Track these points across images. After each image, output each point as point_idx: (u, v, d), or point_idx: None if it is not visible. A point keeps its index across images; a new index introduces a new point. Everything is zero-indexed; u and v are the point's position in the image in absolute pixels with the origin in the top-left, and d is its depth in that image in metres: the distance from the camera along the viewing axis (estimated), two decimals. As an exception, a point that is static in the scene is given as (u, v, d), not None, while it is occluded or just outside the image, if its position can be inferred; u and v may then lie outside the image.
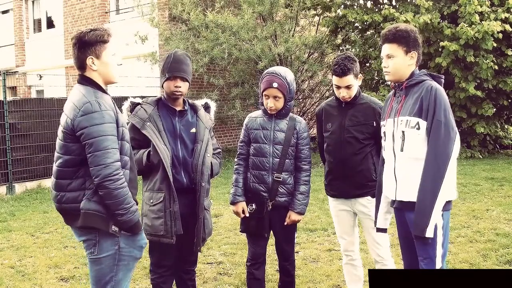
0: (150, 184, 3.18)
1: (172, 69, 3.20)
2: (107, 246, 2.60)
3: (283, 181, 3.41)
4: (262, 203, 3.41)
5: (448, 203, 2.71)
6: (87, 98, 2.55)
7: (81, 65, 2.65)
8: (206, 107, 3.51)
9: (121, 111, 2.76)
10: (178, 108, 3.30)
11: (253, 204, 3.44)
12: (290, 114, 3.50)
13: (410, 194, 2.74)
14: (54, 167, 2.65)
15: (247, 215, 3.45)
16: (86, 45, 2.61)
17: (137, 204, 2.72)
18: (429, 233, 2.62)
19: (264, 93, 3.37)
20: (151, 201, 3.15)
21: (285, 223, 3.42)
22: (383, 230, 3.10)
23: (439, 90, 2.71)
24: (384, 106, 3.06)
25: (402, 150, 2.78)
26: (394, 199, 2.87)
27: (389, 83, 13.00)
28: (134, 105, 3.27)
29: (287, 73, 3.39)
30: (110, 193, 2.51)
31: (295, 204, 3.41)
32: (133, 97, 3.41)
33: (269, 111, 3.42)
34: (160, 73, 3.36)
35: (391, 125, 2.88)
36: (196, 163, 3.23)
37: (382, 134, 2.98)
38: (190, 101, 3.42)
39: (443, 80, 2.84)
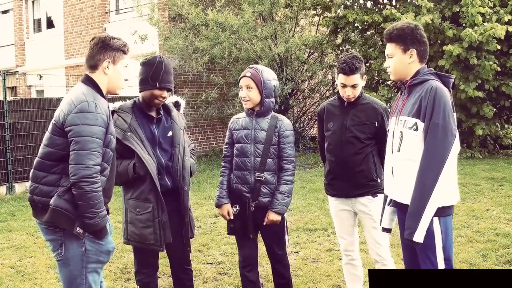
0: (136, 193, 3.14)
1: (163, 80, 3.16)
2: (73, 247, 2.60)
3: (265, 181, 3.35)
4: (245, 204, 3.38)
5: (448, 208, 2.63)
6: (85, 97, 2.59)
7: (95, 65, 2.71)
8: (177, 105, 3.46)
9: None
10: (154, 114, 3.27)
11: (237, 206, 3.41)
12: (273, 113, 3.45)
13: (404, 195, 2.69)
14: (36, 158, 2.67)
15: (232, 217, 3.42)
16: (108, 48, 2.70)
17: (108, 213, 2.75)
18: (417, 238, 2.53)
19: (239, 84, 3.38)
20: (138, 209, 3.12)
21: (264, 223, 3.36)
22: (388, 230, 3.00)
23: (440, 90, 2.60)
24: (392, 103, 3.03)
25: (399, 150, 2.74)
26: (391, 198, 2.85)
27: (389, 82, 12.98)
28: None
29: (264, 69, 3.38)
30: (84, 194, 2.51)
31: (274, 204, 3.33)
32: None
33: (243, 102, 3.39)
34: (141, 77, 3.21)
35: (393, 123, 2.85)
36: (176, 168, 3.22)
37: (388, 131, 2.97)
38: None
39: (452, 80, 2.72)
